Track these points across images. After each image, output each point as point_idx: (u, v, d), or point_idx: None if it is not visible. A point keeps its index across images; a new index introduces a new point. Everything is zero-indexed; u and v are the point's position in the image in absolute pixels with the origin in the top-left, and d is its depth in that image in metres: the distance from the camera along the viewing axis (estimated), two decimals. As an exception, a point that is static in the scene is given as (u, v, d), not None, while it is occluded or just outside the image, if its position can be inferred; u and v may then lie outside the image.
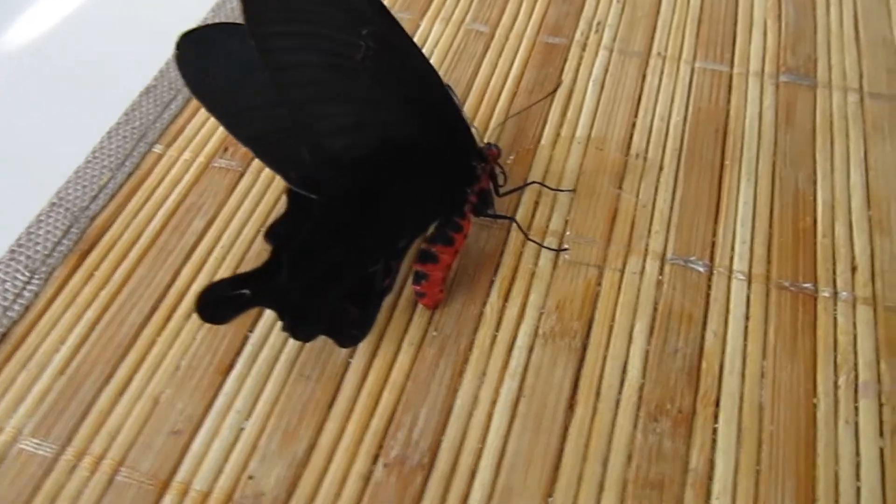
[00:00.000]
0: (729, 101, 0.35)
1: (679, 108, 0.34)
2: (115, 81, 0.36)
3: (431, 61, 0.36)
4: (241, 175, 0.32)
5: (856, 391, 0.26)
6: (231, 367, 0.26)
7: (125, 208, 0.31)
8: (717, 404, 0.25)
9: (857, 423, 0.25)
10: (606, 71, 0.36)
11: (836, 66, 0.36)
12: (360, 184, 0.24)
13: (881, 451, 0.24)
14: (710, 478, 0.24)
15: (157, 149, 0.33)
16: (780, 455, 0.24)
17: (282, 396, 0.26)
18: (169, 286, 0.29)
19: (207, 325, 0.27)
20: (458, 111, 0.27)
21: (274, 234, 0.24)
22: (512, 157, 0.32)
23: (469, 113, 0.34)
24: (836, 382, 0.26)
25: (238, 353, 0.27)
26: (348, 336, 0.26)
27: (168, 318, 0.28)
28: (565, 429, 0.25)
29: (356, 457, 0.24)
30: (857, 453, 0.24)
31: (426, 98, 0.26)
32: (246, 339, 0.27)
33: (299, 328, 0.24)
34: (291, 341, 0.27)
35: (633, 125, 0.34)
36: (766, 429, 0.25)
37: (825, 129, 0.34)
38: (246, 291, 0.23)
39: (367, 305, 0.26)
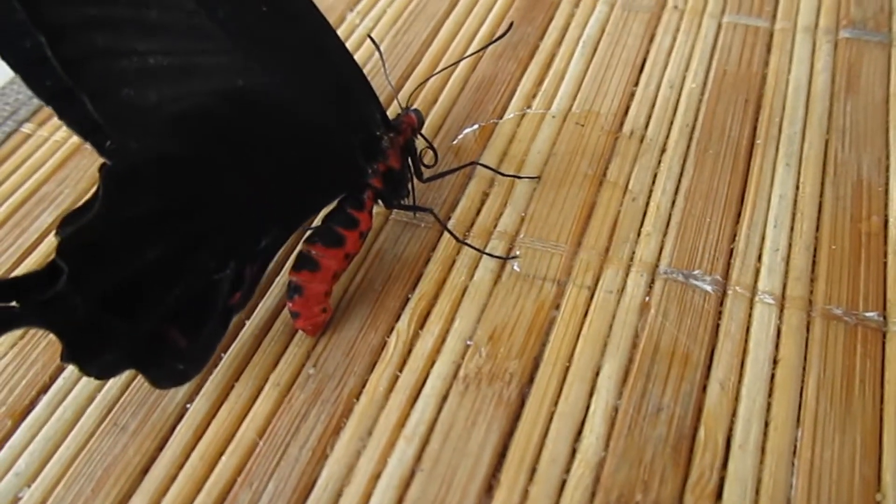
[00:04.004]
0: (767, 63, 0.26)
1: (697, 73, 0.25)
2: None
3: (377, 22, 0.29)
4: (118, 159, 0.25)
5: (949, 485, 0.16)
6: (30, 408, 0.19)
7: (-29, 197, 0.25)
8: (719, 496, 0.16)
9: (950, 540, 0.16)
10: (603, 30, 0.27)
11: (923, 17, 0.27)
12: (182, 151, 0.17)
13: None
14: None
15: (27, 128, 0.27)
16: (817, 588, 0.15)
17: (82, 454, 0.18)
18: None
19: (16, 347, 0.20)
20: (351, 60, 0.19)
21: (69, 224, 0.16)
22: (460, 137, 0.24)
23: (413, 83, 0.26)
24: (915, 469, 0.16)
25: (44, 390, 0.19)
26: (170, 372, 0.18)
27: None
28: (476, 525, 0.16)
29: (162, 553, 0.16)
30: (951, 593, 0.15)
31: (291, 38, 0.18)
32: (60, 371, 0.20)
33: (88, 359, 0.17)
34: (116, 377, 0.19)
35: (632, 96, 0.25)
36: (797, 542, 0.16)
37: (905, 98, 0.24)
38: (14, 304, 0.16)
39: (202, 330, 0.18)
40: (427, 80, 0.25)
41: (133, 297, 0.17)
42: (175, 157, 0.17)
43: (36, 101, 0.28)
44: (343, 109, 0.19)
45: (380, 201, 0.20)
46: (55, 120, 0.27)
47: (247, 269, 0.18)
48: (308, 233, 0.20)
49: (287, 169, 0.18)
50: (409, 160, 0.21)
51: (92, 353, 0.17)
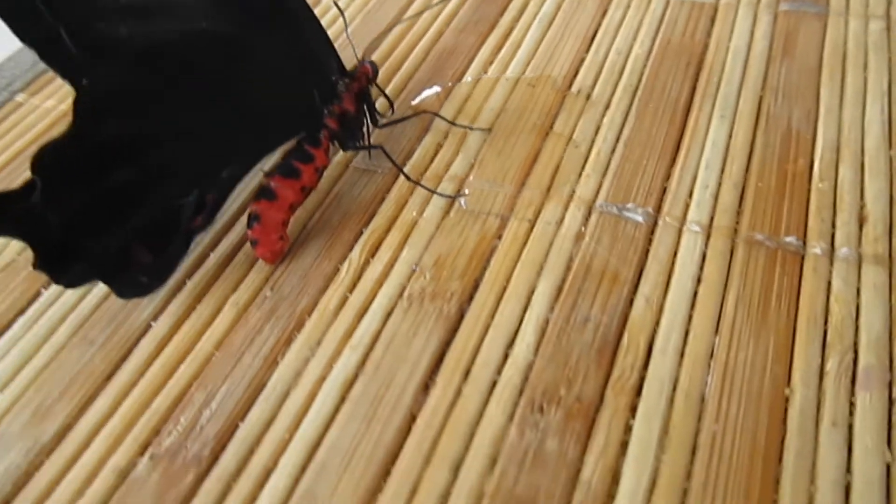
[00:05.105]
0: (710, 34, 0.27)
1: (643, 41, 0.27)
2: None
3: (349, 4, 0.31)
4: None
5: (853, 381, 0.17)
6: (9, 327, 0.21)
7: (-36, 158, 0.26)
8: (638, 393, 0.17)
9: (850, 427, 0.17)
10: (559, 7, 0.29)
11: (857, -8, 0.28)
12: (148, 82, 0.19)
13: (887, 467, 0.16)
14: (609, 496, 0.16)
15: (20, 97, 0.29)
16: (723, 468, 0.16)
17: (52, 364, 0.19)
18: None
19: (-3, 280, 0.22)
20: (308, 11, 0.21)
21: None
22: (421, 97, 0.26)
23: (380, 53, 0.28)
24: (822, 367, 0.18)
25: (22, 311, 0.21)
26: (134, 284, 0.19)
27: (-38, 274, 0.22)
28: (411, 418, 0.17)
29: (120, 444, 0.18)
30: (849, 469, 0.16)
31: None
32: (38, 294, 0.21)
33: (59, 268, 0.18)
34: (90, 297, 0.21)
35: (581, 61, 0.27)
36: (707, 429, 0.17)
37: (835, 61, 0.26)
38: (-8, 217, 0.18)
39: (166, 248, 0.20)
40: (387, 31, 0.27)
41: (102, 216, 0.19)
42: (141, 89, 0.19)
43: (29, 75, 0.30)
44: (301, 55, 0.21)
45: (336, 143, 0.22)
46: (46, 90, 0.29)
47: (208, 196, 0.20)
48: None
49: (247, 107, 0.20)
50: (365, 107, 0.22)
51: (62, 264, 0.18)
